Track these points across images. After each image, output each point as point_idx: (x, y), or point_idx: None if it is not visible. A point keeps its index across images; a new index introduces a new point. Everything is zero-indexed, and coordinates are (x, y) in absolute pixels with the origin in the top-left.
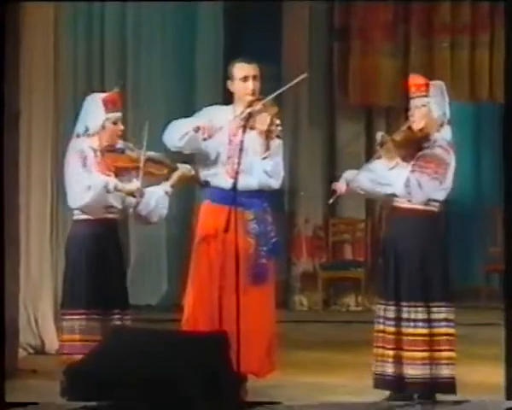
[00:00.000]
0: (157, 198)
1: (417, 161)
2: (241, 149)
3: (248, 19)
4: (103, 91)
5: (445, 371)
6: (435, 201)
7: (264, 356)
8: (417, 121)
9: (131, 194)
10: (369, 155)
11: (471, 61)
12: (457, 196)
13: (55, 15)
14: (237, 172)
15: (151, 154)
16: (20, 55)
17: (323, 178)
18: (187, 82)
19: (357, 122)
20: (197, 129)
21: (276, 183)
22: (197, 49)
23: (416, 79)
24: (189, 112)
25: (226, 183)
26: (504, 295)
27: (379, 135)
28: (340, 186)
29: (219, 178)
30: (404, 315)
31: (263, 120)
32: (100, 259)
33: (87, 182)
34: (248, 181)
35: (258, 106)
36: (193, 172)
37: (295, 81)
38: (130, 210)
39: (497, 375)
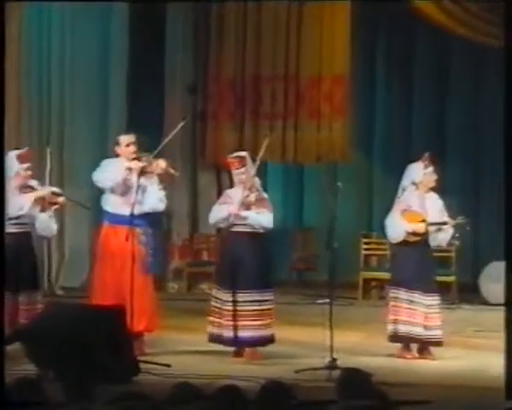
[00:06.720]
0: (45, 222)
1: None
2: (130, 187)
3: (142, 102)
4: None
5: (267, 332)
6: (262, 227)
7: (151, 318)
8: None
9: (43, 198)
10: (219, 195)
11: (282, 136)
12: (275, 222)
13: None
14: (134, 203)
15: (53, 188)
16: None
17: (189, 210)
18: (101, 137)
19: (211, 174)
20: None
21: (163, 206)
22: (108, 110)
23: (234, 158)
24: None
25: (124, 210)
26: (505, 295)
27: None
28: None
29: (117, 207)
30: (239, 298)
31: (155, 168)
32: (17, 260)
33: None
34: (140, 209)
35: (146, 162)
36: (61, 200)
37: (175, 131)
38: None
39: (300, 335)
